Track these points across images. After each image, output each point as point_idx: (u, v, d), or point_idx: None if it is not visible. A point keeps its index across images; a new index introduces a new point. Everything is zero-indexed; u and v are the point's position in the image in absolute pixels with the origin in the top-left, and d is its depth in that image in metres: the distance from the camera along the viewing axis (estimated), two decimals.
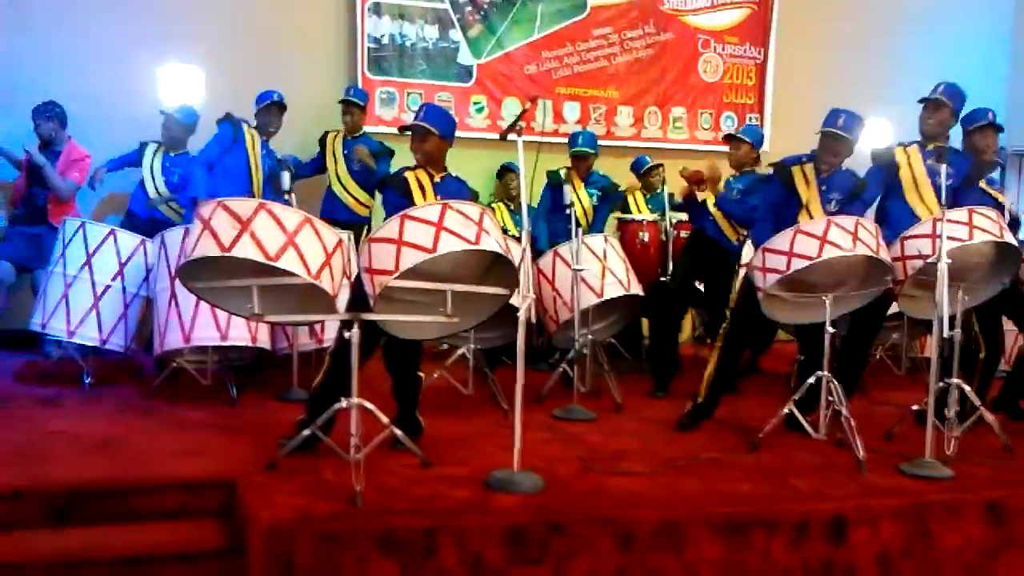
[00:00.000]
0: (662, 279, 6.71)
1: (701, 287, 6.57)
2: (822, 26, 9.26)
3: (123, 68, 7.31)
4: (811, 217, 4.94)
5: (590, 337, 5.85)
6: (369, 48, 8.11)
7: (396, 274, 3.95)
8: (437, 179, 4.81)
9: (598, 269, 5.89)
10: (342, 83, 8.03)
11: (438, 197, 4.67)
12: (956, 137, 5.42)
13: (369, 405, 4.08)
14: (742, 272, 5.45)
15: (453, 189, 4.78)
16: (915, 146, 5.29)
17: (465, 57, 8.40)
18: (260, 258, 3.75)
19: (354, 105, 7.43)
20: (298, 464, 4.13)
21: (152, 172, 6.99)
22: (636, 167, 7.85)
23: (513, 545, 3.58)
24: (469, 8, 8.36)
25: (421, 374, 4.79)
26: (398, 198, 4.79)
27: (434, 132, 4.76)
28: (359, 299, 4.15)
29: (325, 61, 8.04)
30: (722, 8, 9.07)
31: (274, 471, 4.07)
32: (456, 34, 8.35)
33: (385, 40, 8.17)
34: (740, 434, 5.01)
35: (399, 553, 3.49)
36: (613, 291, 5.93)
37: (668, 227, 6.87)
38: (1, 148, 6.64)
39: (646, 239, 6.83)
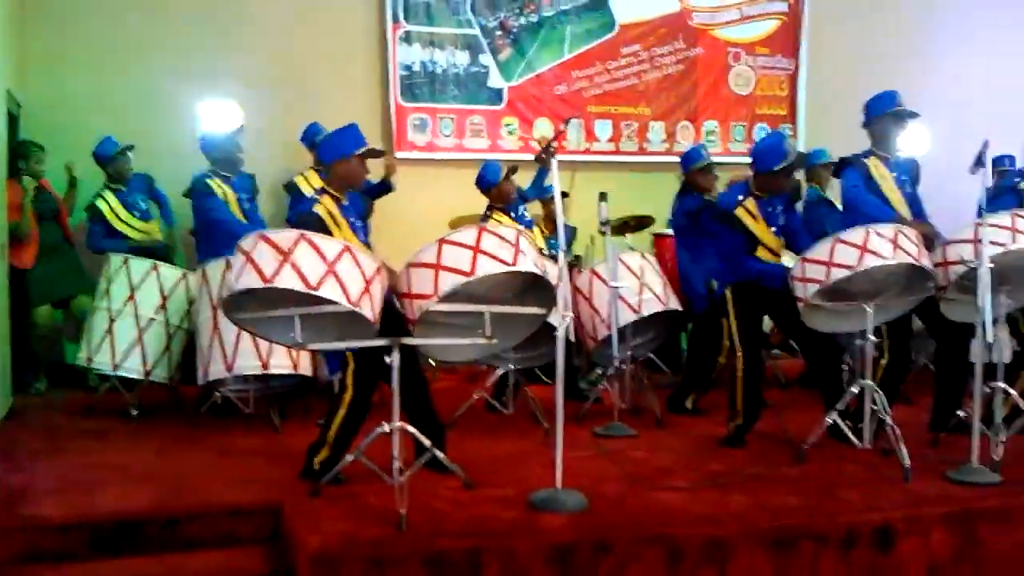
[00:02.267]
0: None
1: None
2: (853, 33, 9.21)
3: (163, 105, 7.45)
4: None
5: (629, 354, 5.84)
6: (401, 76, 8.20)
7: (435, 298, 3.99)
8: (344, 202, 4.58)
9: (635, 286, 5.88)
10: (375, 111, 8.14)
11: (350, 219, 4.56)
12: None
13: (411, 428, 4.13)
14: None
15: (357, 205, 4.66)
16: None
17: (496, 80, 8.47)
18: (302, 288, 3.81)
19: None
20: (342, 490, 4.18)
21: None
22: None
23: (560, 565, 3.59)
24: (499, 32, 8.44)
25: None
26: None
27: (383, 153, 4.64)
28: (390, 325, 4.16)
29: (358, 90, 8.14)
30: (752, 20, 9.06)
31: (318, 497, 4.10)
32: (486, 58, 8.43)
33: (416, 67, 8.26)
34: (784, 447, 4.97)
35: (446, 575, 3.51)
36: (651, 307, 5.91)
37: None
38: None
39: None
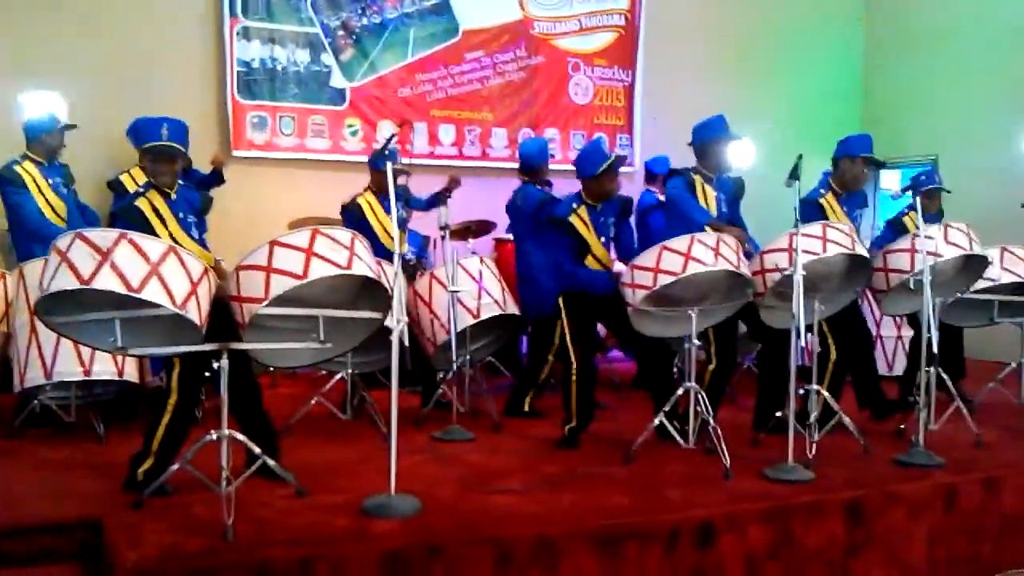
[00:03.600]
0: None
1: None
2: (686, 48, 9.58)
3: None
4: None
5: (468, 357, 5.88)
6: (239, 72, 8.01)
7: (266, 301, 3.91)
8: (173, 196, 4.49)
9: (474, 290, 5.93)
10: (211, 107, 7.93)
11: (179, 215, 4.46)
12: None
13: (240, 436, 4.04)
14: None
15: (190, 198, 4.56)
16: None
17: (338, 80, 8.38)
18: (122, 290, 3.66)
19: None
20: (167, 501, 4.03)
21: None
22: None
23: (391, 570, 3.57)
24: (341, 32, 8.35)
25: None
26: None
27: (183, 151, 4.49)
28: (219, 328, 4.04)
29: (193, 86, 7.89)
30: (590, 32, 9.30)
31: (141, 509, 3.94)
32: (328, 58, 8.33)
33: (255, 64, 8.09)
34: (617, 447, 5.10)
35: None
36: (489, 311, 5.98)
37: None
38: None
39: None
